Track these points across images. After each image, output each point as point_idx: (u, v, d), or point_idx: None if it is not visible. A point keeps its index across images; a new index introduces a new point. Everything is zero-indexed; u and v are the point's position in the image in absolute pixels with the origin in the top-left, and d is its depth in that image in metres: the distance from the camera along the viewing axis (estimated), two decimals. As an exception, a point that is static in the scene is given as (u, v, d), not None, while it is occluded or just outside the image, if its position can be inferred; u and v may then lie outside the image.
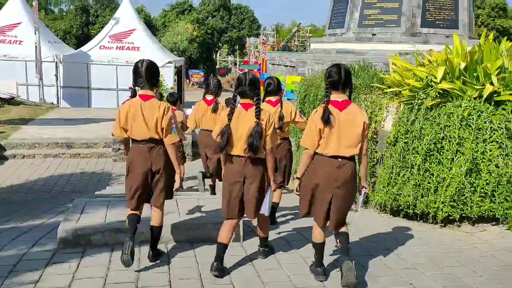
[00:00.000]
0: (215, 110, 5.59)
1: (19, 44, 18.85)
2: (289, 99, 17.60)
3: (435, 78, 4.76)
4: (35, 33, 17.36)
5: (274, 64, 21.07)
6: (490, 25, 40.95)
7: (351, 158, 3.46)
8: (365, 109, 6.18)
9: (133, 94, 3.68)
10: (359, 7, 18.84)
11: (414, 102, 4.88)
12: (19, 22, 19.18)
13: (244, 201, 3.64)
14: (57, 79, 18.58)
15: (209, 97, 5.78)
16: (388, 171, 5.13)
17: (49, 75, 18.54)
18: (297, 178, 3.64)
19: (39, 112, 15.72)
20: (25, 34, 18.79)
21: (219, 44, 46.66)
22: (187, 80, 39.32)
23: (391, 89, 5.33)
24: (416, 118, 4.79)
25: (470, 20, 19.07)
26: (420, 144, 4.60)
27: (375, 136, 5.87)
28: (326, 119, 3.37)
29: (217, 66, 55.39)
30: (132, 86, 3.70)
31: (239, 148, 3.55)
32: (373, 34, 18.54)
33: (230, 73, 50.38)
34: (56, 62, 18.48)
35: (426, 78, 4.86)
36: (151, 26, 42.90)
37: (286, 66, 19.85)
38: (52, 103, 18.36)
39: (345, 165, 3.42)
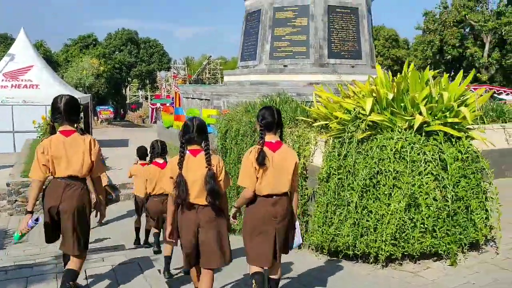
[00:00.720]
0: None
1: None
2: (206, 133, 17.04)
3: (363, 110, 4.59)
4: None
5: (188, 97, 20.55)
6: (385, 55, 44.48)
7: (285, 194, 3.65)
8: (292, 144, 5.88)
9: (52, 131, 3.55)
10: (269, 40, 19.19)
11: (344, 136, 4.65)
12: None
13: (200, 250, 3.55)
14: None
15: (160, 161, 5.51)
16: (323, 210, 4.80)
17: None
18: (235, 206, 3.84)
19: None
20: None
21: (129, 78, 45.10)
22: (95, 117, 37.18)
23: (318, 123, 5.08)
24: (348, 152, 4.54)
25: (371, 50, 20.36)
26: (355, 180, 4.34)
27: (304, 172, 5.56)
28: (261, 161, 3.50)
29: (128, 101, 53.43)
30: (50, 123, 3.68)
31: (193, 196, 3.50)
32: (285, 66, 18.93)
33: (142, 108, 48.77)
34: None
35: (354, 110, 4.67)
36: (52, 62, 40.22)
37: (201, 99, 19.42)
38: None
39: (280, 201, 3.60)
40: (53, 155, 3.40)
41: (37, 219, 3.86)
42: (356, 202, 4.30)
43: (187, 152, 3.57)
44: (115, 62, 39.69)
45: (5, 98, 16.83)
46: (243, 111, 7.82)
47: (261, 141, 3.59)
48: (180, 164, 3.51)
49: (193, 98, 20.16)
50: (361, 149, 4.46)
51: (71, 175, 3.43)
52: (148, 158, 6.18)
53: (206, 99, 19.00)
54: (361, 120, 4.60)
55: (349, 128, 4.61)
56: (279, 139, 3.68)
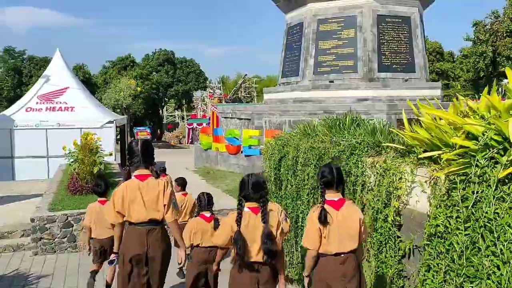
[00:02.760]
0: (216, 227, 4.78)
1: None
2: (248, 156, 15.95)
3: (498, 135, 3.14)
4: None
5: (227, 117, 19.45)
6: (430, 68, 42.29)
7: (352, 251, 3.53)
8: (375, 179, 4.45)
9: (128, 176, 3.56)
10: (313, 54, 17.90)
11: (470, 172, 3.20)
12: None
13: None
14: (-27, 149, 15.78)
15: (207, 214, 5.19)
16: (439, 278, 3.33)
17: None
18: (306, 276, 3.74)
19: None
20: None
21: (165, 99, 44.94)
22: (132, 139, 36.90)
23: (428, 154, 3.65)
24: (481, 197, 3.09)
25: (425, 62, 18.66)
26: (500, 241, 2.89)
27: (398, 219, 4.10)
28: (324, 220, 3.42)
29: (164, 121, 53.38)
30: (126, 167, 3.39)
31: (253, 254, 3.47)
32: (330, 81, 17.53)
33: (178, 128, 48.48)
34: (-28, 129, 15.76)
35: (484, 135, 3.22)
36: (91, 84, 40.60)
37: (241, 119, 18.26)
38: (-34, 177, 15.42)
39: (348, 259, 3.50)
40: (129, 202, 3.43)
41: (111, 261, 3.89)
42: (505, 273, 2.84)
43: (247, 209, 3.52)
44: (152, 83, 39.54)
45: (40, 122, 16.28)
46: (300, 134, 6.46)
47: (322, 199, 3.54)
48: (238, 221, 3.44)
49: (232, 118, 19.04)
50: (504, 193, 2.99)
51: (151, 219, 3.44)
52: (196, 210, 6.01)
53: (246, 119, 17.82)
54: (495, 150, 3.14)
55: (479, 161, 3.15)
56: (341, 196, 3.61)
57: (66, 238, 8.76)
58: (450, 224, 3.30)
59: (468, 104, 3.68)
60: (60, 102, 17.34)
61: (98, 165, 10.41)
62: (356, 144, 4.95)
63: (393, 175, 4.18)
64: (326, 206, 3.47)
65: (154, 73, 42.49)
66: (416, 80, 17.59)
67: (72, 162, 10.45)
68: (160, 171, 10.34)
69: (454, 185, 3.34)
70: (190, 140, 38.00)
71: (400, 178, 4.15)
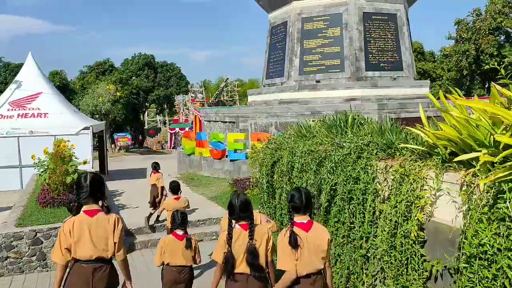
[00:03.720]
0: (188, 247, 4.77)
1: None
2: (233, 160, 15.22)
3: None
4: None
5: (210, 121, 18.69)
6: (413, 68, 42.27)
7: (320, 271, 3.60)
8: (391, 186, 3.80)
9: (77, 211, 3.39)
10: (298, 53, 17.30)
11: (519, 179, 2.56)
12: None
13: None
14: None
15: (180, 232, 4.91)
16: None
17: None
18: None
19: None
20: None
21: (146, 104, 43.85)
22: (113, 145, 35.75)
23: (465, 156, 3.00)
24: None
25: (412, 61, 18.24)
26: None
27: (421, 233, 3.45)
28: (294, 244, 3.45)
29: (146, 127, 52.18)
30: (74, 202, 3.47)
31: (243, 266, 3.63)
32: (317, 81, 16.95)
33: (160, 133, 47.41)
34: None
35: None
36: (68, 90, 39.28)
37: (225, 122, 17.53)
38: None
39: (317, 279, 3.57)
40: (77, 238, 3.30)
41: None
42: None
43: (238, 226, 3.68)
44: (132, 88, 38.44)
45: (11, 130, 15.24)
46: (295, 136, 5.80)
47: (290, 222, 3.60)
48: (229, 241, 3.63)
49: (216, 121, 18.29)
50: None
51: (98, 258, 3.31)
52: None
53: (230, 122, 17.10)
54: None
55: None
56: (310, 218, 3.64)
57: (35, 257, 7.91)
58: (497, 243, 2.66)
59: (506, 94, 3.05)
60: (33, 108, 16.33)
61: (72, 174, 9.55)
62: (364, 146, 4.29)
63: (413, 182, 3.54)
64: (295, 228, 3.52)
65: (134, 77, 41.39)
66: (404, 78, 17.15)
67: (42, 172, 9.55)
68: (154, 168, 10.44)
69: (501, 195, 2.69)
70: (172, 145, 37.05)
71: (423, 185, 3.50)
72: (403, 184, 3.62)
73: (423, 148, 3.63)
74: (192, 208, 10.90)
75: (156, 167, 10.55)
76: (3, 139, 15.12)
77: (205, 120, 19.23)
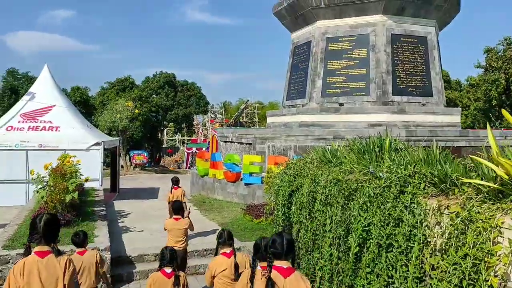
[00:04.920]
0: (176, 285, 4.70)
1: None
2: (248, 184, 14.30)
3: None
4: None
5: (227, 141, 17.91)
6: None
7: None
8: (450, 233, 2.85)
9: (28, 252, 3.34)
10: (321, 74, 16.50)
11: None
12: None
13: None
14: None
15: (168, 270, 4.80)
16: None
17: None
18: None
19: None
20: None
21: (165, 122, 43.56)
22: (129, 163, 35.31)
23: None
24: None
25: (442, 86, 17.23)
26: None
27: (493, 305, 2.47)
28: None
29: (164, 145, 51.87)
30: (27, 243, 3.40)
31: None
32: (340, 104, 16.08)
33: (178, 152, 46.96)
34: None
35: None
36: (89, 106, 39.31)
37: (241, 143, 16.72)
38: None
39: None
40: (26, 280, 3.22)
41: None
42: None
43: (259, 267, 3.58)
44: (151, 105, 38.19)
45: (20, 142, 14.72)
46: (318, 162, 4.90)
47: (268, 265, 3.40)
48: (251, 279, 3.56)
49: (232, 142, 17.50)
50: None
51: None
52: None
53: (247, 143, 16.29)
54: None
55: None
56: (290, 265, 3.42)
57: None
58: None
59: None
60: (45, 121, 15.84)
61: (72, 193, 8.80)
62: (408, 178, 3.35)
63: (482, 231, 2.57)
64: (273, 272, 3.36)
65: (154, 95, 41.26)
66: (433, 105, 16.13)
67: (40, 188, 8.83)
68: (175, 183, 10.28)
69: None
70: (189, 165, 36.43)
71: (495, 237, 2.54)
72: (466, 232, 2.67)
73: (495, 185, 2.68)
74: (200, 233, 10.01)
75: (177, 182, 10.45)
76: (11, 152, 14.59)
77: (221, 141, 18.47)
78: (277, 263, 3.40)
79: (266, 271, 3.38)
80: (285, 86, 18.80)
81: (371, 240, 3.52)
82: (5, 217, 11.31)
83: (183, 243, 7.20)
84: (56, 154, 13.70)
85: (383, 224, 3.39)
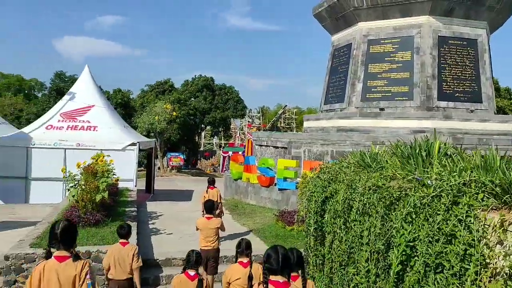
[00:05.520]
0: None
1: None
2: (282, 189, 13.88)
3: None
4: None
5: (262, 145, 17.55)
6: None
7: None
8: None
9: (49, 255, 3.55)
10: (361, 78, 15.87)
11: None
12: None
13: None
14: (-14, 167, 14.61)
15: (192, 272, 4.84)
16: None
17: (-23, 162, 14.63)
18: None
19: None
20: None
21: (202, 125, 43.80)
22: (166, 164, 35.66)
23: None
24: None
25: (493, 92, 16.15)
26: None
27: None
28: None
29: (201, 149, 52.23)
30: (47, 247, 3.63)
31: None
32: (381, 109, 15.37)
33: (215, 156, 47.10)
34: (-13, 146, 14.63)
35: None
36: (129, 107, 40.10)
37: (277, 147, 16.31)
38: (-26, 198, 14.23)
39: None
40: (46, 281, 3.44)
41: None
42: None
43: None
44: (189, 108, 38.48)
45: (58, 141, 14.96)
46: (356, 166, 4.43)
47: (264, 280, 3.36)
48: None
49: (267, 146, 17.12)
50: None
51: None
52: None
53: (282, 147, 15.86)
54: None
55: None
56: (286, 280, 3.37)
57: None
58: None
59: None
60: (83, 121, 16.06)
61: (102, 192, 8.68)
62: (462, 187, 2.84)
63: None
64: (269, 287, 3.33)
65: (192, 98, 41.60)
66: (483, 111, 15.11)
67: (72, 187, 8.77)
68: (211, 183, 10.39)
69: None
70: (224, 169, 36.37)
71: None
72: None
73: None
74: (230, 238, 9.67)
75: (213, 182, 10.55)
76: (50, 150, 14.84)
77: (256, 144, 18.12)
78: (272, 277, 3.35)
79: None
80: (323, 90, 18.25)
81: (416, 258, 3.02)
82: (39, 215, 11.39)
83: (214, 243, 7.20)
84: (93, 154, 13.80)
85: (431, 240, 2.89)
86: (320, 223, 4.50)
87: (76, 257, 3.55)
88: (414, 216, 3.09)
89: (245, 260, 4.77)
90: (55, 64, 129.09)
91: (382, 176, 3.72)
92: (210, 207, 7.47)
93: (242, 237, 5.34)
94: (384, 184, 3.64)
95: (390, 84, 15.38)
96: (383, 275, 3.38)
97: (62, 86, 42.41)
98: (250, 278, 4.40)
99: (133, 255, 5.79)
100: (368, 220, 3.70)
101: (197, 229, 7.38)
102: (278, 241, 9.63)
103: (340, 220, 4.10)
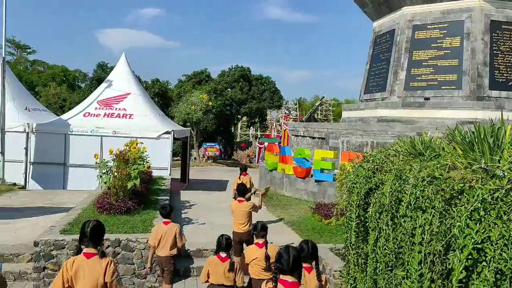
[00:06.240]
0: (230, 270, 5.04)
1: (-13, 110, 15.50)
2: (318, 181, 13.34)
3: None
4: (1, 97, 13.99)
5: (298, 135, 17.03)
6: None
7: None
8: None
9: (78, 251, 3.87)
10: (405, 66, 15.00)
11: None
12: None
13: None
14: (26, 154, 14.90)
15: (223, 255, 5.13)
16: None
17: (19, 148, 14.93)
18: None
19: (-16, 197, 11.78)
20: (-3, 99, 15.43)
21: (238, 115, 43.63)
22: (201, 154, 35.75)
23: None
24: None
25: (550, 81, 14.90)
26: None
27: None
28: None
29: (237, 140, 52.13)
30: (77, 244, 4.00)
31: None
32: (426, 98, 14.49)
33: (251, 147, 46.88)
34: (28, 133, 14.91)
35: None
36: (167, 98, 40.41)
37: (313, 138, 15.75)
38: (15, 183, 14.53)
39: None
40: (73, 275, 3.72)
41: None
42: None
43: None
44: (225, 99, 38.36)
45: (95, 128, 15.05)
46: (405, 154, 3.90)
47: (273, 279, 3.43)
48: None
49: (304, 136, 16.59)
50: None
51: None
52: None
53: (320, 138, 15.29)
54: None
55: None
56: (295, 280, 3.40)
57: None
58: None
59: None
60: (119, 109, 16.11)
61: (133, 179, 8.49)
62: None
63: None
64: (279, 285, 3.37)
65: (228, 89, 41.44)
66: (539, 102, 13.94)
67: (104, 173, 8.63)
68: (243, 170, 10.67)
69: None
70: (260, 160, 36.05)
71: None
72: None
73: None
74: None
75: (245, 168, 10.78)
76: (87, 137, 14.96)
77: (292, 135, 17.63)
78: (282, 277, 3.41)
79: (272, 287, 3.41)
80: (363, 78, 17.48)
81: (485, 263, 2.50)
82: (74, 201, 11.45)
83: (245, 226, 7.17)
84: (127, 141, 13.80)
85: (506, 242, 2.37)
86: (363, 218, 4.01)
87: (103, 254, 3.86)
88: (482, 213, 2.56)
89: (260, 241, 5.21)
90: (98, 56, 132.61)
91: (439, 165, 3.19)
92: (243, 191, 7.59)
93: (259, 220, 5.63)
94: (442, 174, 3.11)
95: (437, 72, 14.46)
96: (440, 281, 2.88)
97: (103, 76, 43.21)
98: (268, 257, 4.97)
99: (176, 233, 6.16)
100: (421, 217, 3.18)
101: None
102: (314, 234, 9.17)
103: (386, 215, 3.59)
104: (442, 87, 14.27)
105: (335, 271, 7.26)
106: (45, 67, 65.88)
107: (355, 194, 4.07)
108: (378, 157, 4.13)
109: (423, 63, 14.74)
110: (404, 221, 3.37)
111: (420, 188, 3.27)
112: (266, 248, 5.09)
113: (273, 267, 3.60)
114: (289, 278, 3.40)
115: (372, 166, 4.06)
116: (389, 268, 3.55)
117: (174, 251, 6.18)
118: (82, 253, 3.83)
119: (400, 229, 3.44)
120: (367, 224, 3.96)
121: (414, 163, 3.54)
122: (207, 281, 5.11)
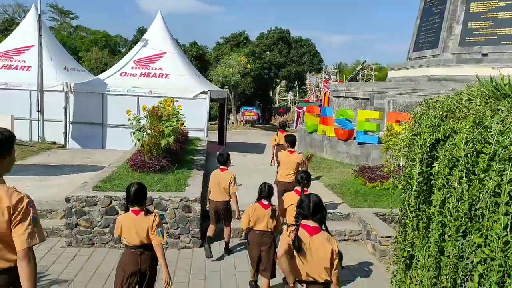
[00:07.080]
0: (272, 217, 5.27)
1: (27, 70, 15.57)
2: (361, 144, 12.59)
3: None
4: (38, 55, 13.91)
5: (340, 96, 16.16)
6: None
7: (322, 284, 3.50)
8: None
9: (127, 210, 4.26)
10: (461, 19, 13.66)
11: None
12: (30, 45, 15.98)
13: None
14: (65, 113, 14.93)
15: (265, 202, 5.36)
16: None
17: (58, 108, 14.97)
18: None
19: (24, 155, 11.87)
20: (36, 59, 15.39)
21: (277, 79, 42.62)
22: (239, 118, 35.38)
23: None
24: None
25: None
26: None
27: None
28: (298, 248, 3.45)
29: (276, 105, 51.33)
30: (124, 204, 4.43)
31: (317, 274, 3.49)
32: (484, 55, 13.21)
33: (290, 112, 46.03)
34: (66, 92, 14.87)
35: None
36: (204, 61, 39.92)
37: (356, 98, 14.86)
38: (55, 142, 14.65)
39: None
40: (125, 228, 4.19)
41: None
42: None
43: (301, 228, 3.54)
44: (264, 62, 37.39)
45: (132, 88, 14.82)
46: (483, 98, 3.19)
47: (296, 224, 3.53)
48: (294, 245, 3.45)
49: (346, 97, 15.71)
50: None
51: (142, 244, 4.15)
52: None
53: (363, 98, 14.38)
54: None
55: None
56: (317, 225, 3.52)
57: (108, 228, 6.60)
58: None
59: None
60: (156, 68, 15.77)
61: (167, 137, 8.12)
62: None
63: None
64: (300, 229, 3.47)
65: (267, 52, 40.35)
66: None
67: (137, 130, 8.30)
68: (282, 127, 10.84)
69: None
70: (298, 126, 35.31)
71: None
72: None
73: None
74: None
75: (284, 125, 10.82)
76: (123, 97, 14.76)
77: (333, 96, 16.77)
78: (304, 222, 3.52)
79: (293, 230, 3.46)
80: (412, 35, 16.19)
81: None
82: (111, 160, 11.31)
83: (293, 177, 7.01)
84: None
85: None
86: (427, 175, 3.36)
87: (148, 211, 4.22)
88: None
89: (299, 188, 5.52)
90: (138, 21, 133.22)
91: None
92: (293, 142, 7.63)
93: (264, 182, 5.57)
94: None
95: (497, 25, 13.08)
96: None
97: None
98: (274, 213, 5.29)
99: (230, 181, 6.35)
100: (510, 170, 2.52)
101: (278, 162, 7.80)
102: (358, 198, 8.59)
103: (459, 170, 2.94)
104: (502, 42, 12.94)
105: (381, 237, 6.71)
106: (88, 32, 66.65)
107: (418, 147, 3.41)
108: (447, 103, 3.43)
109: (482, 16, 13.37)
110: (485, 177, 2.71)
111: (508, 135, 2.59)
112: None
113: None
114: (311, 223, 3.51)
115: (440, 113, 3.37)
116: (461, 234, 2.92)
117: (227, 197, 6.40)
118: (130, 211, 4.21)
119: (477, 186, 2.79)
120: (432, 181, 3.31)
121: (502, 105, 2.83)
122: (248, 228, 5.30)
